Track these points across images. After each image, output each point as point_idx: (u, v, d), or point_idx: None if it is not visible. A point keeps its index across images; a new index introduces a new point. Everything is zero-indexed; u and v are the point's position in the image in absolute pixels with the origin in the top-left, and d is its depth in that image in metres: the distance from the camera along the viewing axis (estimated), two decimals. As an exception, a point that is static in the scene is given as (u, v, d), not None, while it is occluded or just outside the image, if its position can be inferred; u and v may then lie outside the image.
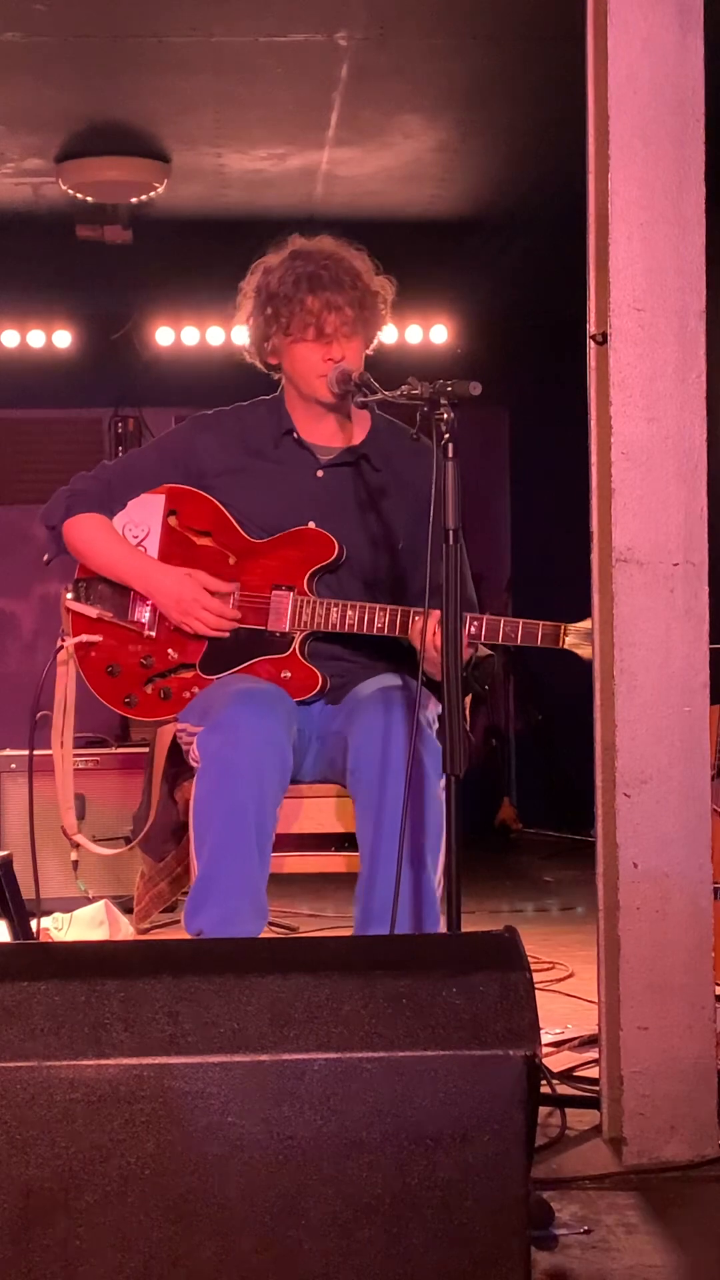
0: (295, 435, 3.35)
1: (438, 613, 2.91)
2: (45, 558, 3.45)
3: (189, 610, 3.26)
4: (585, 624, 3.03)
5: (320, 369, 3.25)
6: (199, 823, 3.05)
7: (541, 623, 3.09)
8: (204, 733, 3.07)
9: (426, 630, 3.03)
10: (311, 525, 3.29)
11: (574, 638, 3.06)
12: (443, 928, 3.01)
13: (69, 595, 3.37)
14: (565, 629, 3.07)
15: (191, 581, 3.27)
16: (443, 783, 3.04)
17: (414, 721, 2.98)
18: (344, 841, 3.23)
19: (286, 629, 3.24)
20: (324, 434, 3.36)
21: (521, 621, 3.09)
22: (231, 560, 3.30)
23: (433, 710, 3.07)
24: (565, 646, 3.07)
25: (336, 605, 3.20)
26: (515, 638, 3.08)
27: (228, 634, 3.27)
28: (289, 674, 3.24)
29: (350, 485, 3.34)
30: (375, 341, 3.34)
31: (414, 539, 3.28)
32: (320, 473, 3.35)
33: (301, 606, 3.23)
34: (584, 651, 3.04)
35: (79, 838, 3.50)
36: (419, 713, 2.97)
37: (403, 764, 2.97)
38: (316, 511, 3.30)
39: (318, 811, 3.24)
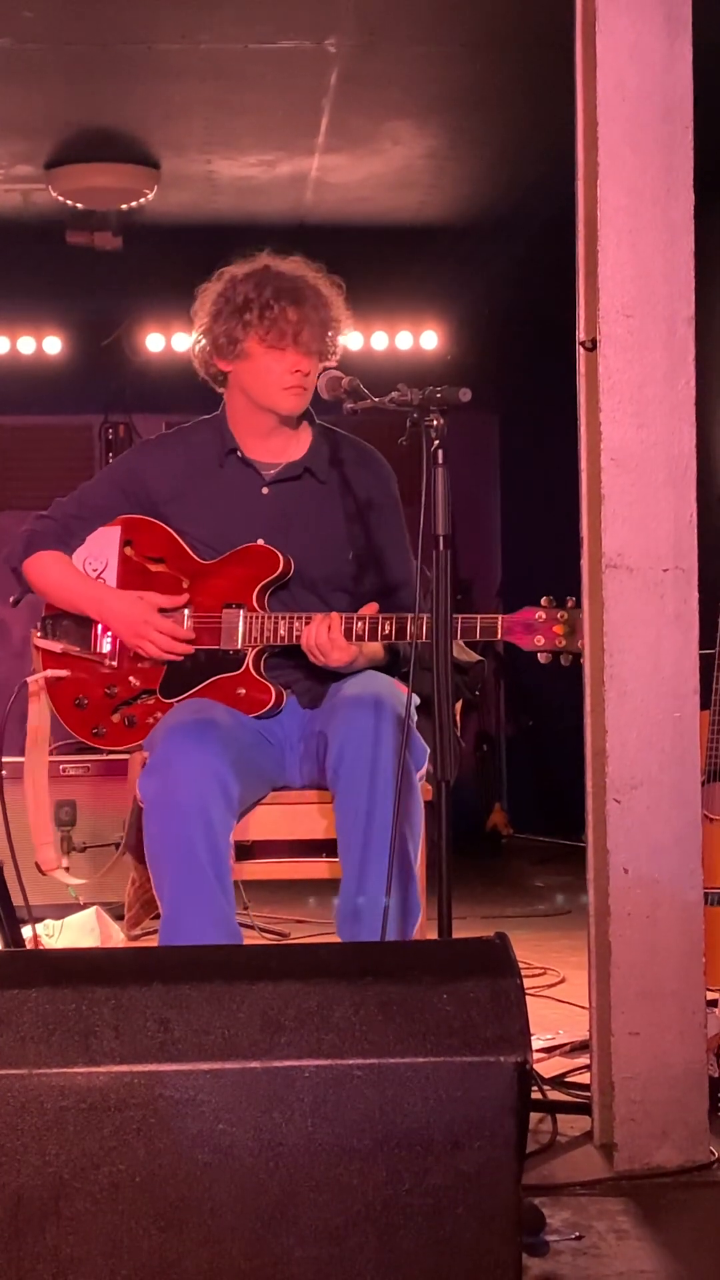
0: (239, 454, 3.37)
1: (337, 615, 3.12)
2: (12, 599, 3.50)
3: (141, 633, 3.28)
4: (521, 615, 3.10)
5: (285, 380, 3.27)
6: (153, 865, 3.06)
7: (480, 616, 3.13)
8: (142, 775, 3.09)
9: (318, 629, 3.13)
10: (260, 542, 3.30)
11: (512, 632, 3.11)
12: (423, 919, 3.03)
13: (37, 633, 3.43)
14: (502, 620, 3.11)
15: (142, 605, 3.30)
16: (422, 773, 3.06)
17: (399, 722, 2.99)
18: (332, 848, 3.22)
19: (239, 646, 3.25)
20: (267, 450, 3.37)
21: (461, 617, 3.10)
22: (184, 584, 3.33)
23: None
24: (503, 638, 3.12)
25: (284, 618, 3.22)
26: (456, 635, 3.10)
27: (181, 658, 3.29)
28: (244, 690, 3.25)
29: (296, 499, 3.36)
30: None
31: (363, 546, 3.31)
32: (265, 489, 3.36)
33: (251, 623, 3.25)
34: (525, 644, 3.10)
35: (57, 873, 3.51)
36: (409, 712, 2.98)
37: (389, 768, 2.99)
38: (265, 528, 3.31)
39: (304, 818, 3.24)
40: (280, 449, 3.38)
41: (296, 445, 3.39)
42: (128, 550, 3.38)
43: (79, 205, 6.12)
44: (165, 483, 3.37)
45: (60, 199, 6.06)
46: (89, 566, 3.38)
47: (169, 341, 7.53)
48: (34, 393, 7.73)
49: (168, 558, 3.35)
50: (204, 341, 3.35)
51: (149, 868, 3.08)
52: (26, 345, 7.58)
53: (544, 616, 3.10)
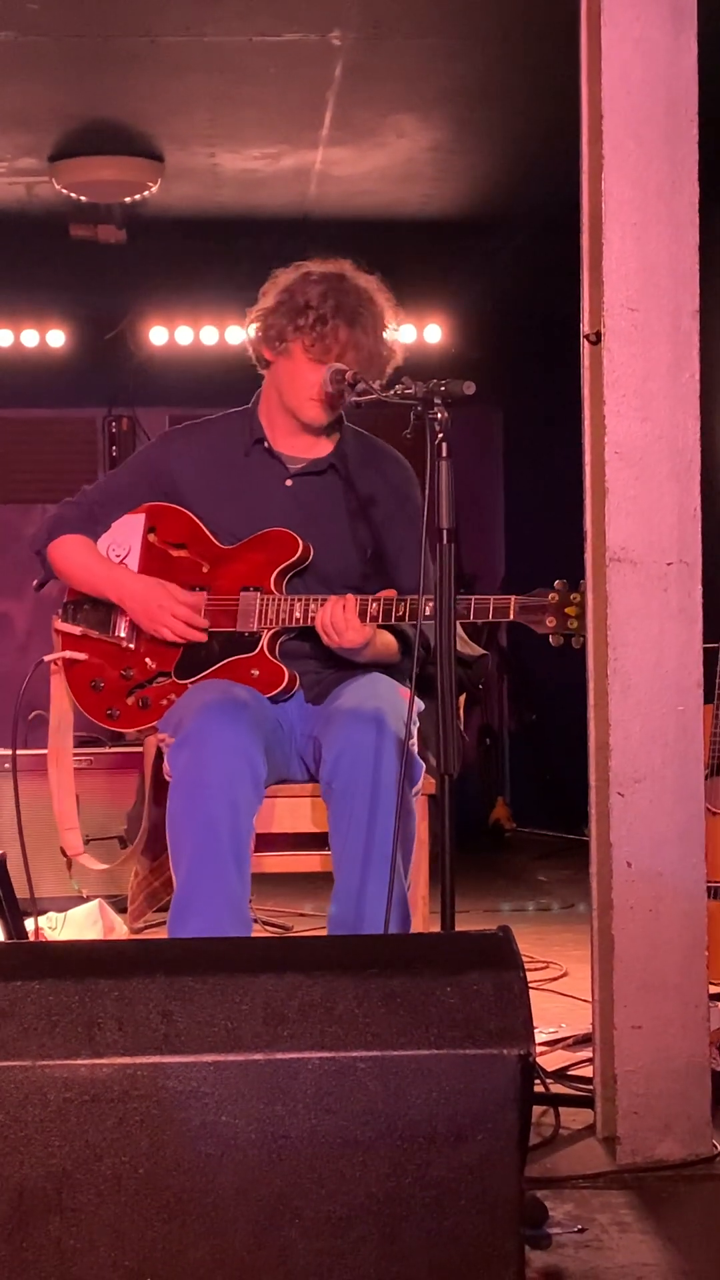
0: (265, 444, 3.38)
1: (352, 597, 3.12)
2: (35, 583, 3.54)
3: (156, 617, 3.30)
4: (535, 597, 3.10)
5: (314, 391, 3.28)
6: (173, 839, 3.06)
7: (493, 597, 3.13)
8: (173, 748, 3.09)
9: (329, 611, 3.13)
10: (280, 527, 3.31)
11: (526, 613, 3.10)
12: (426, 912, 3.01)
13: (58, 617, 3.45)
14: (515, 601, 3.11)
15: (161, 589, 3.32)
16: (417, 788, 3.06)
17: (400, 745, 2.98)
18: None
19: (255, 628, 3.26)
20: (294, 445, 3.39)
21: (474, 598, 3.11)
22: (205, 568, 3.35)
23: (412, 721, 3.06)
24: (515, 619, 3.12)
25: (300, 600, 3.24)
26: (468, 614, 3.10)
27: (197, 640, 3.29)
28: (257, 672, 3.26)
29: (318, 495, 3.37)
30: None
31: (382, 545, 3.32)
32: (289, 482, 3.38)
33: (267, 605, 3.26)
34: (538, 626, 3.10)
35: (83, 859, 3.52)
36: (410, 723, 2.97)
37: (390, 797, 2.98)
38: (285, 520, 3.33)
39: (310, 810, 3.24)
40: (307, 445, 3.39)
41: (324, 443, 3.41)
42: (151, 537, 3.41)
43: (83, 198, 6.12)
44: (189, 471, 3.40)
45: (64, 192, 6.06)
46: (112, 553, 3.41)
47: (172, 335, 7.53)
48: (38, 386, 7.73)
49: (189, 543, 3.37)
50: (258, 325, 3.36)
51: (168, 842, 3.08)
52: (30, 338, 7.58)
53: (557, 599, 3.10)
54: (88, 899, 4.94)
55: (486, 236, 6.86)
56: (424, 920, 3.25)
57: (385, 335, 3.30)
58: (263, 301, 3.35)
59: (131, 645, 3.37)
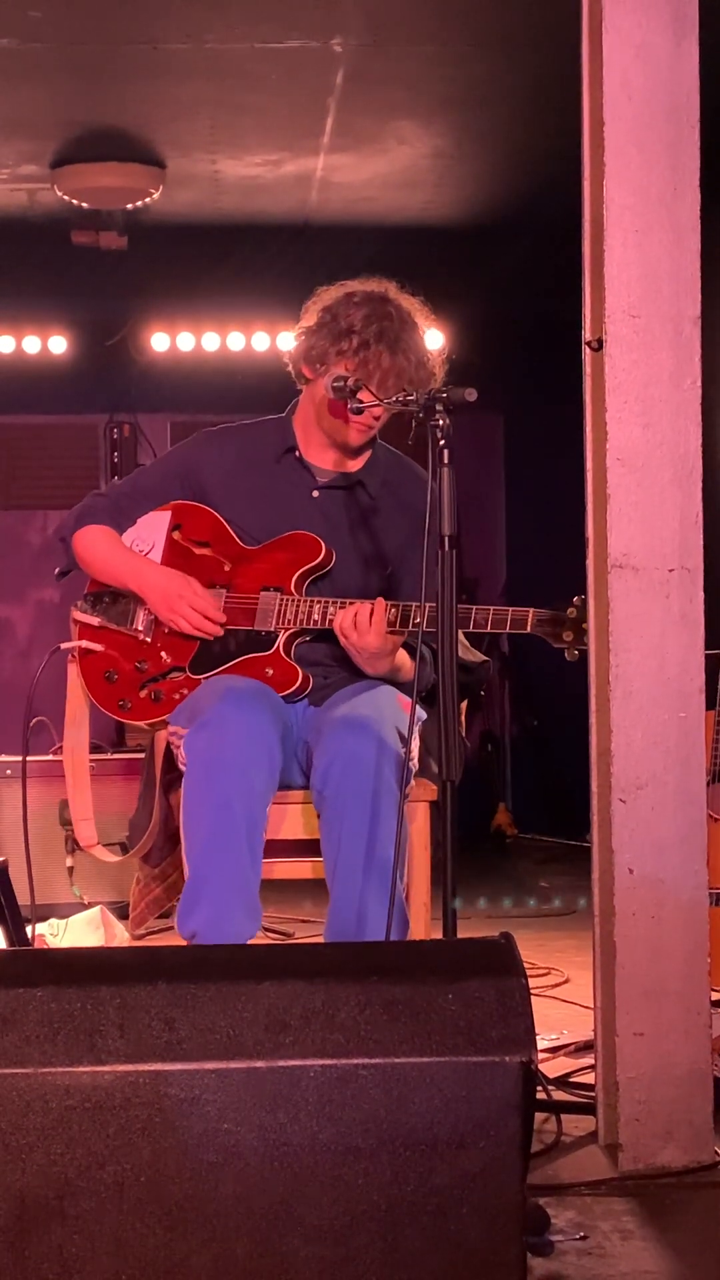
0: (297, 453, 3.39)
1: (382, 601, 3.11)
2: (57, 570, 3.57)
3: (174, 607, 3.31)
4: (553, 610, 3.09)
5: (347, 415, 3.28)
6: (188, 822, 3.06)
7: (511, 609, 3.12)
8: (190, 732, 3.10)
9: (353, 619, 3.12)
10: (305, 530, 3.31)
11: (542, 626, 3.09)
12: (428, 918, 3.01)
13: (77, 608, 3.47)
14: (533, 614, 3.10)
15: (181, 580, 3.33)
16: (408, 789, 3.06)
17: (387, 744, 2.98)
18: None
19: (272, 627, 3.28)
20: (326, 458, 3.40)
21: (492, 609, 3.11)
22: (227, 567, 3.36)
23: (406, 725, 3.05)
24: (531, 631, 3.11)
25: (319, 602, 3.24)
26: (485, 624, 3.10)
27: (212, 635, 3.30)
28: (272, 670, 3.27)
29: (343, 508, 3.38)
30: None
31: (397, 566, 3.33)
32: (315, 493, 3.38)
33: (286, 605, 3.27)
34: (554, 640, 3.09)
35: (95, 851, 3.53)
36: (411, 735, 2.97)
37: (377, 791, 2.97)
38: (307, 530, 3.33)
39: (311, 817, 3.24)
40: (338, 460, 3.40)
41: (355, 459, 3.41)
42: (175, 534, 3.42)
43: (84, 205, 6.13)
44: (219, 472, 3.41)
45: (66, 198, 6.07)
46: (137, 547, 3.43)
47: (174, 341, 7.53)
48: (39, 392, 7.74)
49: (213, 541, 3.39)
50: (298, 343, 3.36)
51: (182, 827, 3.08)
52: (32, 345, 7.59)
53: (576, 614, 3.08)
54: (89, 905, 4.94)
55: (488, 243, 6.87)
56: (426, 927, 3.24)
57: (425, 364, 3.30)
58: (304, 319, 3.35)
59: (148, 639, 3.39)
